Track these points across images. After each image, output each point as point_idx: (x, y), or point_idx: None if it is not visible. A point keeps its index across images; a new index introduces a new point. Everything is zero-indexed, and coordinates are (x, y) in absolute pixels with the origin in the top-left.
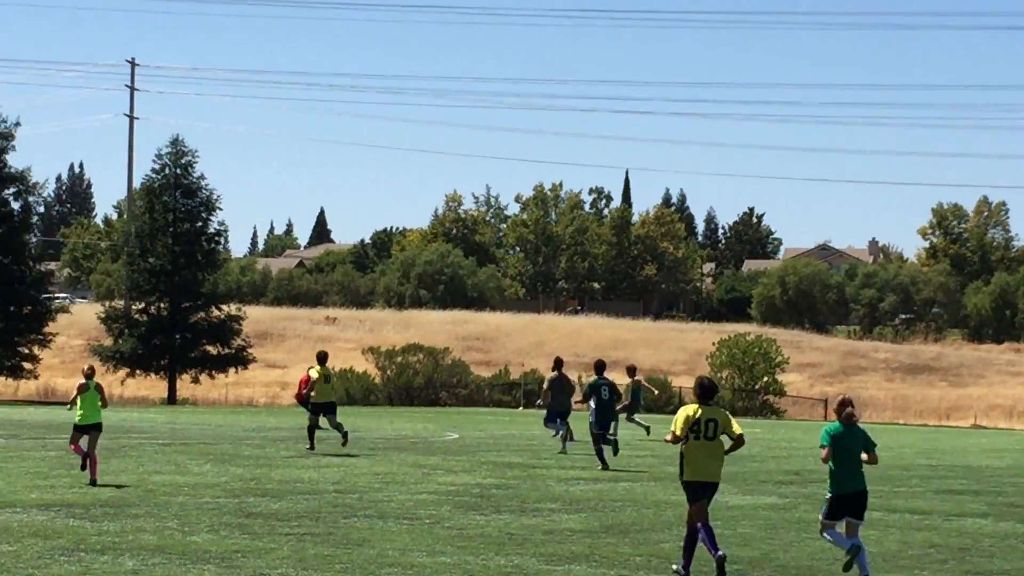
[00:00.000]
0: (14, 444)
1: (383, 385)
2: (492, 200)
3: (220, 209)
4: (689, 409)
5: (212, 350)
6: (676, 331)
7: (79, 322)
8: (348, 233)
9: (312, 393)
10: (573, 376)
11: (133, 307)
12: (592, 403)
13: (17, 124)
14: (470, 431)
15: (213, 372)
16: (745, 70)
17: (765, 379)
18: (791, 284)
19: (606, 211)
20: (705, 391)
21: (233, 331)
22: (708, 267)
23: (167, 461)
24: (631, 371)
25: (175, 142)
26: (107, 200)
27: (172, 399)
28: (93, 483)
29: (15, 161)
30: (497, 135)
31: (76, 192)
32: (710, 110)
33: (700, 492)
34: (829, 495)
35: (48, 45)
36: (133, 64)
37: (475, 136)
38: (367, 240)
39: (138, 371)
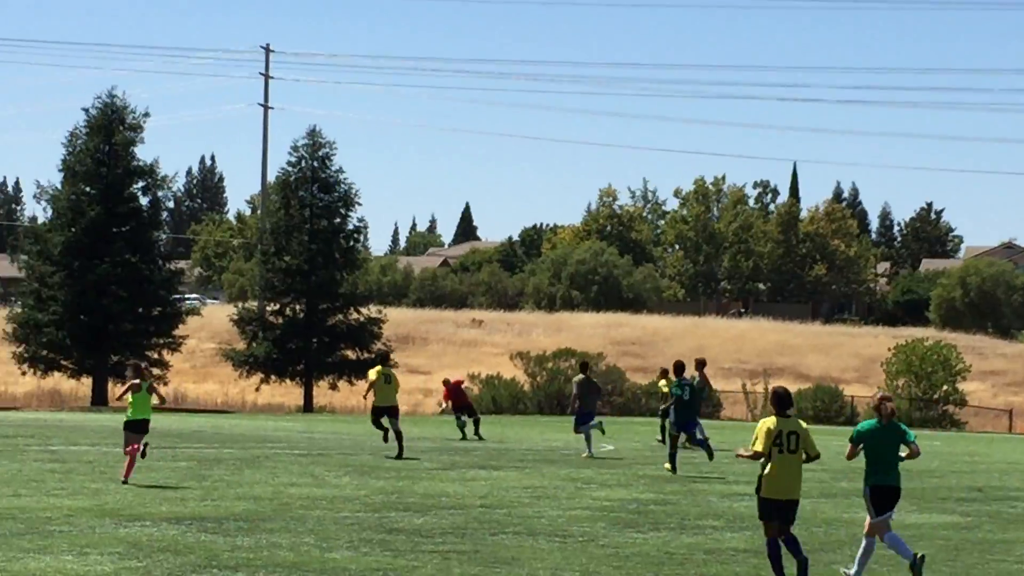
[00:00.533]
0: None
1: (532, 393)
2: (649, 195)
3: (359, 204)
4: (769, 422)
5: (351, 355)
6: (847, 336)
7: (210, 324)
8: (495, 230)
9: (373, 395)
10: (736, 385)
11: (267, 309)
12: (672, 405)
13: (146, 115)
14: (626, 442)
15: (352, 378)
16: (924, 55)
17: (944, 388)
18: (973, 285)
19: (772, 206)
20: (781, 402)
21: (373, 334)
22: (882, 267)
23: (303, 473)
24: (700, 364)
25: (312, 133)
26: (240, 195)
27: (308, 407)
28: (125, 482)
29: (143, 154)
30: (655, 125)
31: (207, 186)
32: (884, 98)
33: (776, 511)
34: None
35: (178, 31)
36: (268, 50)
37: (631, 126)
38: (515, 238)
39: (272, 377)
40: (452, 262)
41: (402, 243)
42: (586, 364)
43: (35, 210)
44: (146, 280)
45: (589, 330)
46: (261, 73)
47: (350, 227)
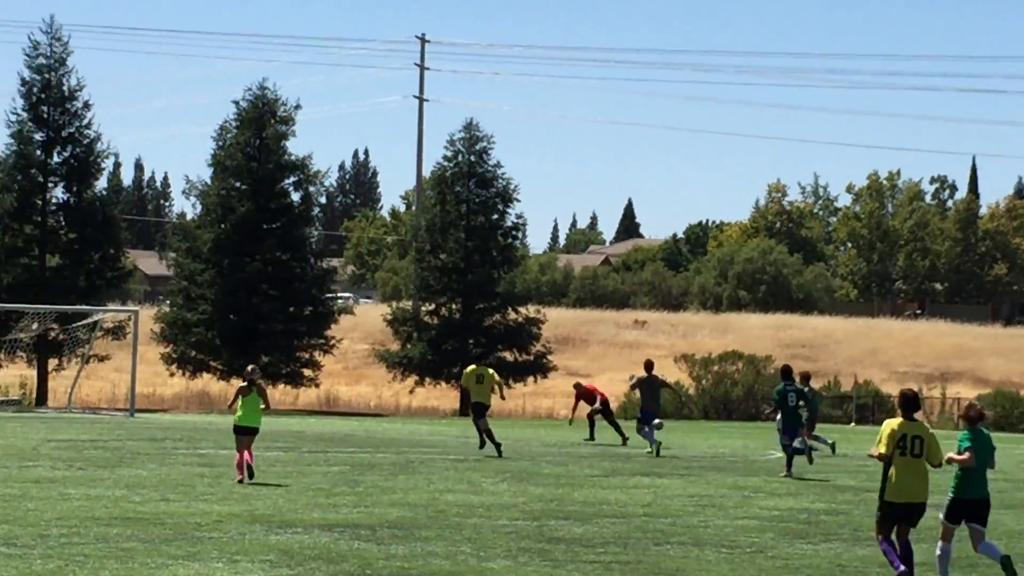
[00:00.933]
0: (294, 458)
1: (697, 397)
2: (820, 191)
3: (518, 200)
4: (893, 423)
5: (508, 356)
6: None
7: (363, 324)
8: (659, 227)
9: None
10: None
11: (422, 308)
12: (780, 412)
13: (297, 107)
14: None
15: (510, 381)
16: None
17: None
18: None
19: (950, 203)
20: (908, 404)
21: (532, 335)
22: None
23: (460, 479)
24: (805, 378)
25: (469, 126)
26: (394, 190)
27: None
28: (241, 482)
29: (295, 147)
30: (826, 117)
31: (360, 181)
32: None
33: (903, 515)
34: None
35: (332, 21)
36: (423, 41)
37: (801, 119)
38: (680, 235)
39: (427, 379)
40: (614, 260)
41: (562, 240)
42: (651, 363)
43: (184, 206)
44: (297, 278)
45: (756, 332)
46: (416, 64)
47: (508, 224)
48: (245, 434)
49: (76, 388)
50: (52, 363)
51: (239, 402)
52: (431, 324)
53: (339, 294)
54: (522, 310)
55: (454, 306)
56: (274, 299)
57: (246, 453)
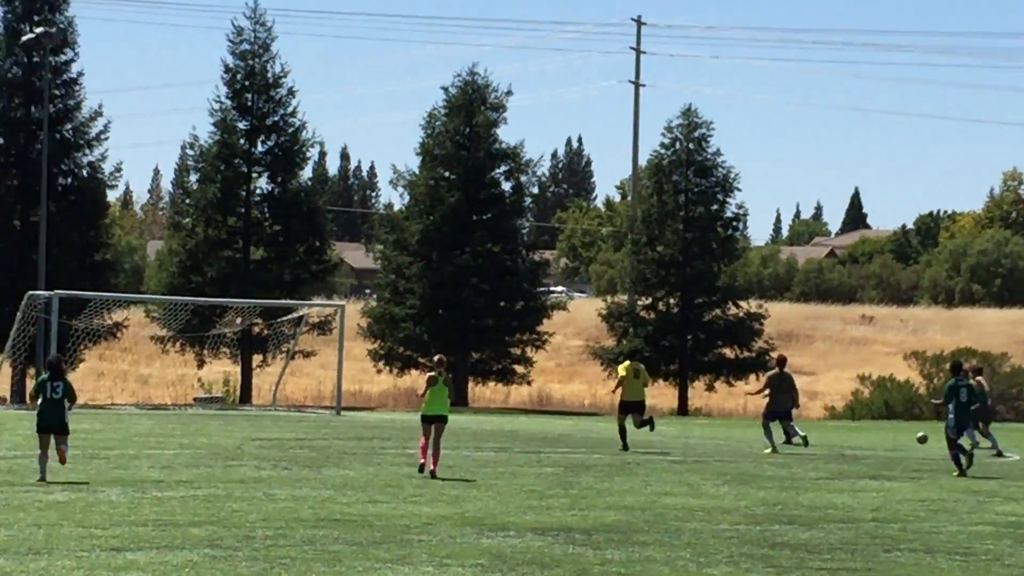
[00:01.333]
0: (505, 458)
1: (928, 396)
2: None
3: (739, 190)
4: None
5: (729, 353)
6: None
7: (577, 319)
8: (887, 218)
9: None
10: None
11: (638, 303)
12: (951, 407)
13: (508, 93)
14: None
15: (731, 378)
16: None
17: None
18: None
19: None
20: None
21: (753, 331)
22: None
23: (678, 481)
24: (976, 372)
25: (687, 112)
26: (608, 180)
27: (683, 409)
28: (433, 475)
29: (506, 135)
30: None
31: (574, 170)
32: None
33: None
34: None
35: (544, 4)
36: (639, 23)
37: None
38: (909, 226)
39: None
40: (839, 252)
41: (784, 232)
42: (784, 359)
43: (391, 196)
44: (509, 271)
45: (991, 328)
46: (632, 48)
47: (728, 214)
48: (432, 423)
49: (281, 385)
50: (256, 359)
51: (428, 394)
52: (648, 319)
53: (552, 288)
54: (743, 305)
55: (672, 300)
56: (484, 293)
57: (430, 452)
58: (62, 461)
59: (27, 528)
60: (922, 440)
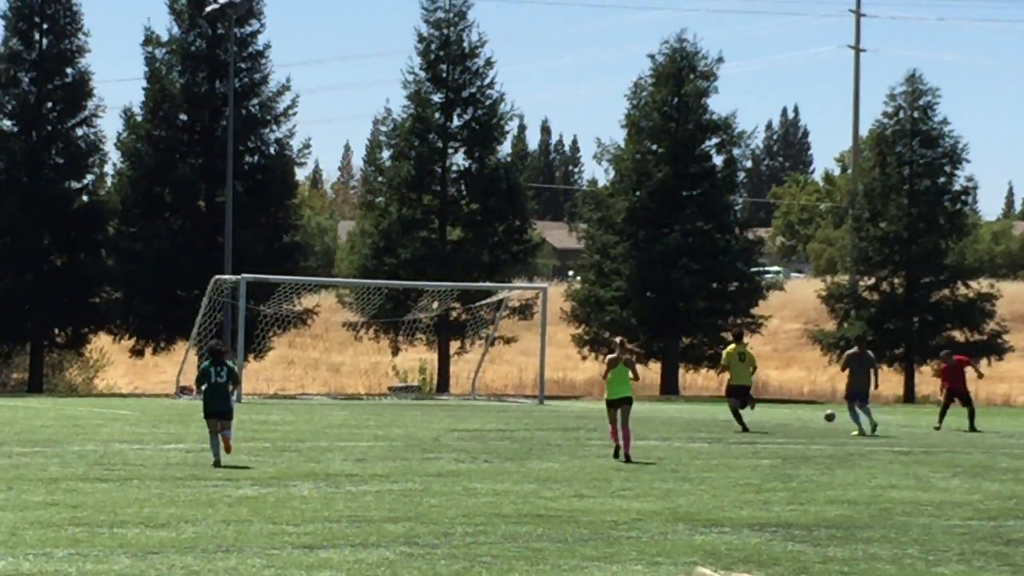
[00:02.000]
0: (719, 450)
1: None
2: None
3: (967, 161)
4: None
5: (958, 336)
6: None
7: (794, 301)
8: None
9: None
10: None
11: (860, 283)
12: None
13: (720, 60)
14: None
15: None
16: None
17: None
18: None
19: None
20: None
21: (985, 312)
22: None
23: (905, 473)
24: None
25: (911, 79)
26: (827, 152)
27: (910, 396)
28: (627, 459)
29: (718, 106)
30: None
31: (790, 142)
32: None
33: None
34: None
35: None
36: None
37: None
38: None
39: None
40: None
41: (1017, 206)
42: (862, 338)
43: (595, 172)
44: (721, 251)
45: None
46: (851, 10)
47: (956, 188)
48: (617, 407)
49: (480, 373)
50: (454, 346)
51: (609, 375)
52: (871, 300)
53: (767, 268)
54: (973, 284)
55: (896, 280)
56: (695, 273)
57: (620, 435)
58: (227, 449)
59: (215, 525)
60: (829, 418)
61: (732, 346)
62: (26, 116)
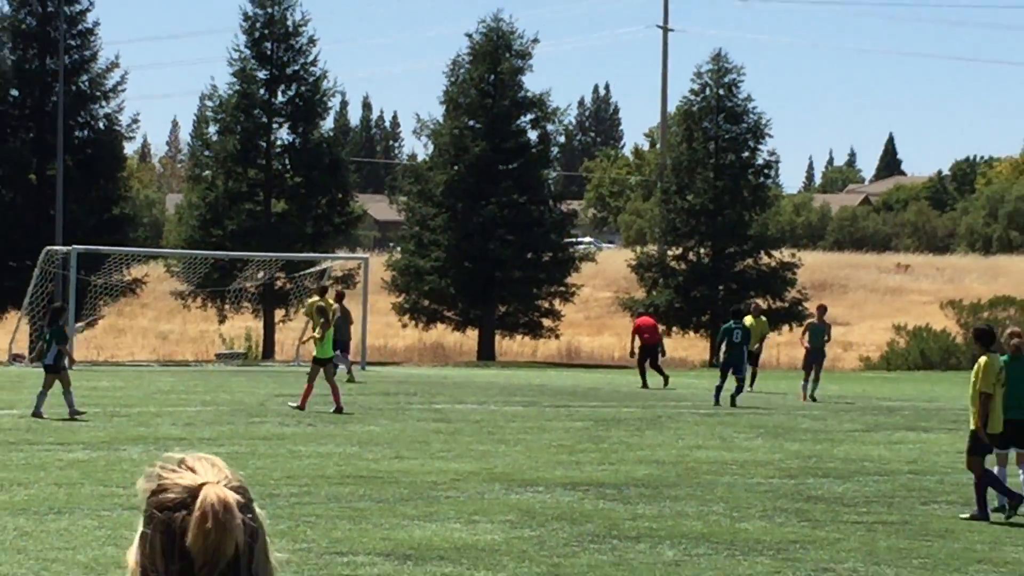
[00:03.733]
0: (534, 413)
1: (966, 346)
2: None
3: (770, 136)
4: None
5: (762, 303)
6: None
7: (606, 271)
8: (922, 164)
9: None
10: None
11: (668, 253)
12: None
13: (535, 40)
14: None
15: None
16: None
17: None
18: None
19: None
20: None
21: (786, 281)
22: None
23: (711, 434)
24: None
25: (717, 57)
26: (637, 128)
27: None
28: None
29: (532, 84)
30: None
31: (601, 119)
32: None
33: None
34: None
35: None
36: None
37: None
38: (945, 172)
39: (675, 328)
40: (874, 200)
41: (817, 179)
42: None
43: (415, 147)
44: (536, 223)
45: None
46: None
47: (759, 162)
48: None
49: (303, 340)
50: (279, 314)
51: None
52: (678, 270)
53: (580, 239)
54: (775, 254)
55: (703, 250)
56: (511, 244)
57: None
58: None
59: (47, 487)
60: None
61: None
62: None
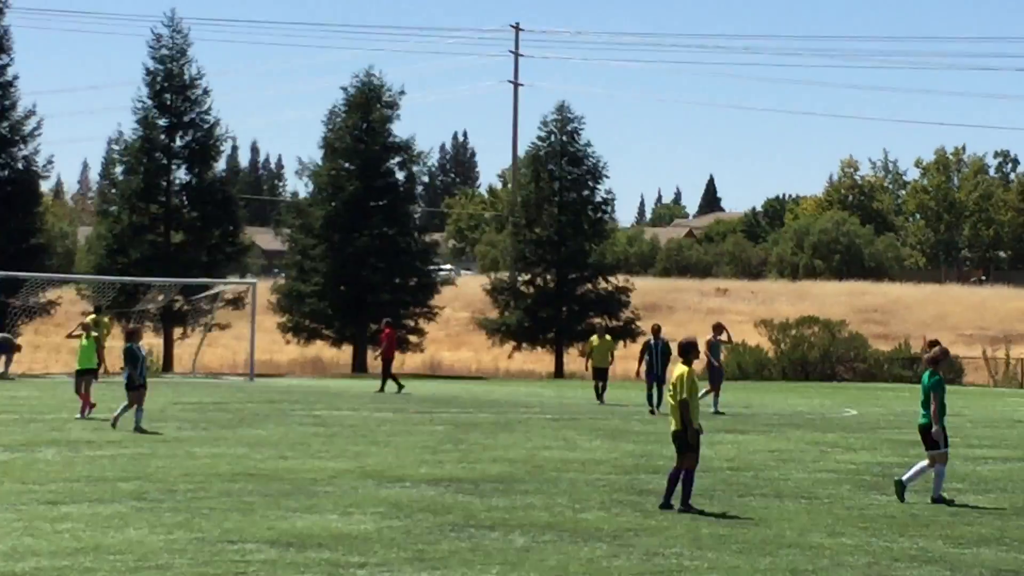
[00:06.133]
0: (402, 418)
1: (776, 359)
2: (890, 165)
3: (607, 177)
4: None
5: (600, 322)
6: None
7: (464, 294)
8: (739, 201)
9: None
10: (977, 351)
11: (519, 279)
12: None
13: (401, 93)
14: (869, 407)
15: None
16: None
17: None
18: None
19: (1012, 175)
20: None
21: (621, 303)
22: None
23: (556, 436)
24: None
25: (560, 108)
26: (491, 169)
27: (559, 373)
28: None
29: (399, 130)
30: (896, 96)
31: (460, 161)
32: None
33: None
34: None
35: (432, 11)
36: (517, 29)
37: (872, 98)
38: (758, 208)
39: (524, 344)
40: (697, 232)
41: (648, 215)
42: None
43: (297, 186)
44: (403, 252)
45: (832, 298)
46: (511, 51)
47: (598, 199)
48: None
49: (199, 355)
50: (177, 332)
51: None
52: (527, 293)
53: (441, 266)
54: (612, 279)
55: (548, 276)
56: (381, 271)
57: None
58: None
59: None
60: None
61: (595, 336)
62: None
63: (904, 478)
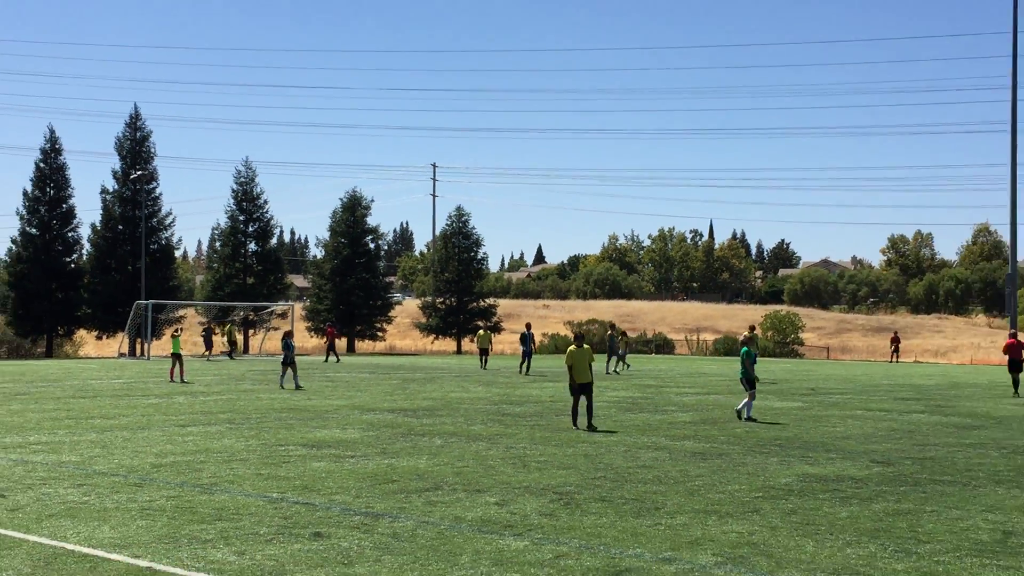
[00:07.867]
0: (374, 377)
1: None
2: (635, 238)
3: (484, 245)
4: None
5: (480, 323)
6: (741, 310)
7: (407, 309)
8: (556, 256)
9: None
10: (682, 336)
11: (437, 301)
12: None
13: (372, 200)
14: (639, 366)
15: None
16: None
17: (792, 336)
18: (807, 283)
19: (700, 242)
20: (578, 338)
21: (492, 313)
22: (759, 273)
23: (457, 386)
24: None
25: (459, 209)
26: (422, 241)
27: (459, 351)
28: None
29: (371, 221)
30: (630, 203)
31: (405, 238)
32: (770, 180)
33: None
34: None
35: (391, 155)
36: (435, 167)
37: (623, 203)
38: (565, 261)
39: (440, 336)
40: (532, 274)
41: (506, 264)
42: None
43: (316, 251)
44: (373, 287)
45: (605, 308)
46: (432, 178)
47: (480, 256)
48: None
49: (263, 344)
50: (251, 332)
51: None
52: (441, 308)
53: (394, 294)
54: (487, 300)
55: (452, 299)
56: (362, 296)
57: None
58: None
59: None
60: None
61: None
62: None
63: (737, 408)
